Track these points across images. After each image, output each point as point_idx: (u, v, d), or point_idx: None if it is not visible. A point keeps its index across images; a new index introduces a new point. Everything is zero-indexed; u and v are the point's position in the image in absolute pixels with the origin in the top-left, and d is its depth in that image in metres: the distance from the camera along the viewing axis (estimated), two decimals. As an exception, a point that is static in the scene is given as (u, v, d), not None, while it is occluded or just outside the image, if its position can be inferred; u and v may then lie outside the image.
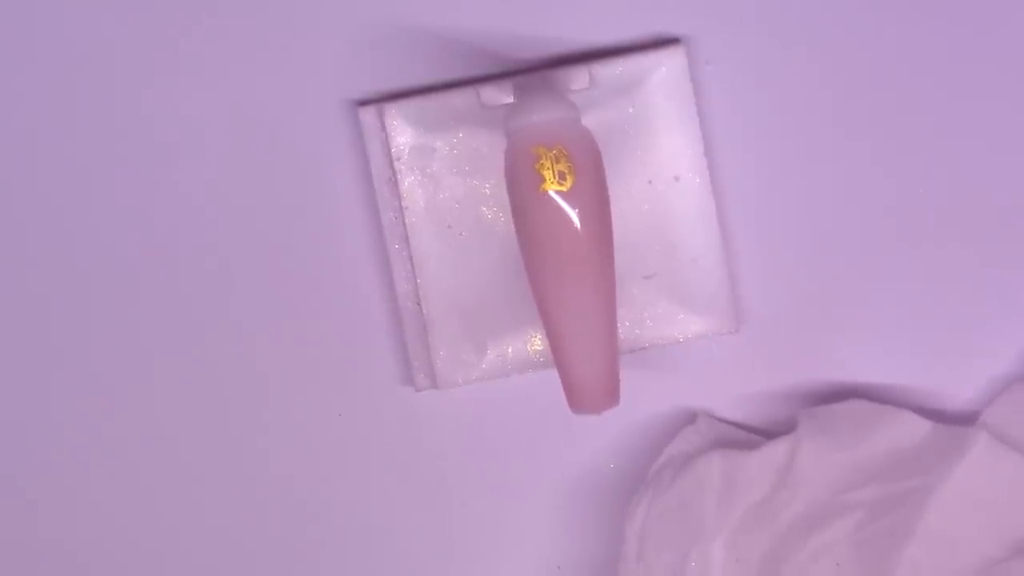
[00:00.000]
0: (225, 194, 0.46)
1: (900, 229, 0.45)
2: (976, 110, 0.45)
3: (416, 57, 0.45)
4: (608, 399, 0.42)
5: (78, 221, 0.46)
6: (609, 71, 0.44)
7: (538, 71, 0.44)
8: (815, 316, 0.45)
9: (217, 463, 0.47)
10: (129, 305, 0.46)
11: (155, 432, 0.46)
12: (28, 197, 0.46)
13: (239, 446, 0.46)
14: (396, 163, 0.45)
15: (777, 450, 0.44)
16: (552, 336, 0.42)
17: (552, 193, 0.41)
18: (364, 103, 0.45)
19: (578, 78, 0.44)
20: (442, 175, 0.45)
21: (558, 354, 0.42)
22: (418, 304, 0.45)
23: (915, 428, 0.44)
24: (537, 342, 0.45)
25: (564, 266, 0.41)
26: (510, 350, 0.45)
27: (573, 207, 0.41)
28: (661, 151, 0.44)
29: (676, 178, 0.45)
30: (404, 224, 0.45)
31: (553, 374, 0.42)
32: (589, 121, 0.43)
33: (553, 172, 0.41)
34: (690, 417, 0.46)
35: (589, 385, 0.42)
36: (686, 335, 0.45)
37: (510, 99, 0.44)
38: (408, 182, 0.45)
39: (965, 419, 0.45)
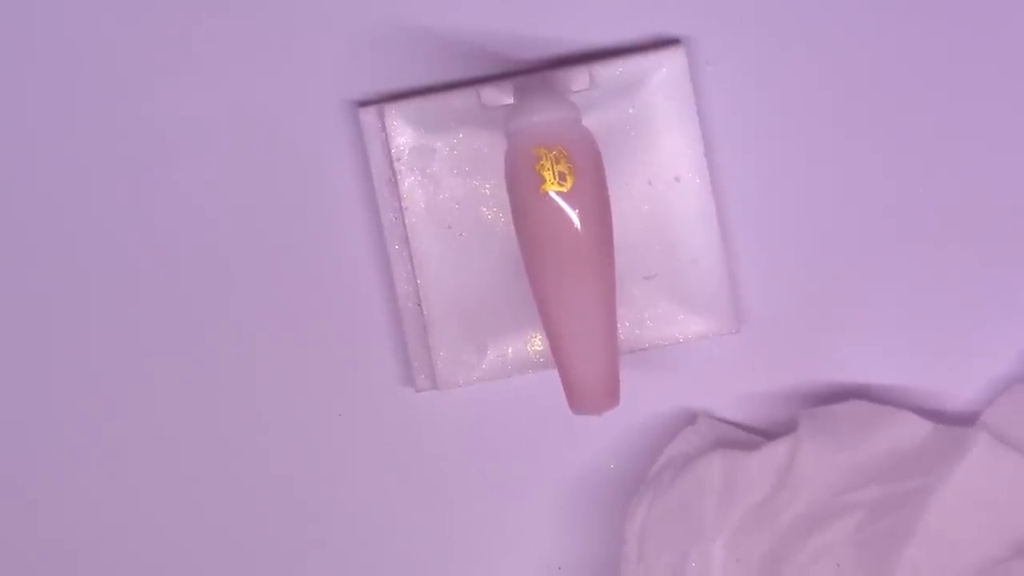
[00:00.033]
0: (225, 194, 0.46)
1: (900, 229, 0.45)
2: (976, 110, 0.45)
3: (416, 58, 0.45)
4: (608, 400, 0.42)
5: (78, 221, 0.46)
6: (609, 72, 0.44)
7: (538, 72, 0.44)
8: (815, 316, 0.45)
9: (217, 463, 0.47)
10: (129, 305, 0.46)
11: (155, 432, 0.46)
12: (28, 197, 0.46)
13: (239, 446, 0.46)
14: (396, 164, 0.45)
15: (777, 451, 0.44)
16: (552, 337, 0.42)
17: (552, 194, 0.41)
18: (364, 103, 0.45)
19: (578, 79, 0.44)
20: (442, 176, 0.45)
21: (558, 355, 0.42)
22: (418, 305, 0.45)
23: (915, 429, 0.44)
24: (537, 343, 0.45)
25: (564, 267, 0.41)
26: (510, 351, 0.45)
27: (573, 208, 0.41)
28: (661, 151, 0.44)
29: (676, 178, 0.45)
30: (404, 225, 0.45)
31: (553, 375, 0.42)
32: (589, 122, 0.43)
33: (553, 173, 0.41)
34: (690, 418, 0.46)
35: (589, 386, 0.42)
36: (686, 335, 0.45)
37: (510, 100, 0.44)
38: (408, 183, 0.45)
39: (965, 420, 0.45)
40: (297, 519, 0.47)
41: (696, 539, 0.44)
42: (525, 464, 0.46)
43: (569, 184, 0.41)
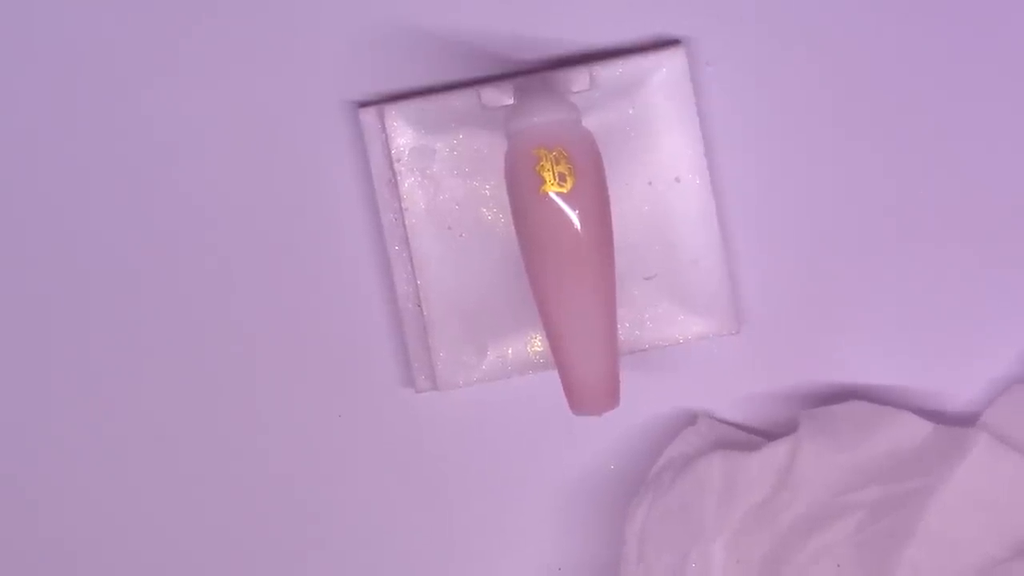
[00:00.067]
0: (225, 194, 0.46)
1: (900, 229, 0.45)
2: (976, 110, 0.45)
3: (417, 58, 0.45)
4: (608, 400, 0.42)
5: (78, 221, 0.46)
6: (609, 72, 0.44)
7: (539, 72, 0.44)
8: (815, 316, 0.45)
9: (217, 463, 0.47)
10: (129, 305, 0.46)
11: (155, 432, 0.46)
12: (28, 197, 0.46)
13: (239, 446, 0.46)
14: (396, 164, 0.45)
15: (777, 451, 0.44)
16: (552, 337, 0.42)
17: (552, 195, 0.41)
18: (364, 104, 0.45)
19: (578, 79, 0.44)
20: (442, 176, 0.45)
21: (558, 355, 0.42)
22: (418, 305, 0.45)
23: (915, 429, 0.44)
24: (537, 343, 0.45)
25: (564, 267, 0.41)
26: (510, 351, 0.45)
27: (573, 209, 0.41)
28: (661, 152, 0.44)
29: (676, 179, 0.45)
30: (404, 225, 0.45)
31: (553, 375, 0.42)
32: (589, 122, 0.43)
33: (553, 174, 0.41)
34: (690, 418, 0.46)
35: (589, 386, 0.42)
36: (686, 336, 0.45)
37: (511, 100, 0.44)
38: (408, 183, 0.45)
39: (965, 420, 0.45)
40: (297, 519, 0.47)
41: (696, 540, 0.44)
42: (525, 465, 0.46)
43: (569, 185, 0.41)
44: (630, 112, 0.44)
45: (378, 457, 0.46)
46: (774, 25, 0.45)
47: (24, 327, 0.46)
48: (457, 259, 0.45)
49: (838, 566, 0.43)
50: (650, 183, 0.45)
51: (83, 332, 0.46)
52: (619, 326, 0.44)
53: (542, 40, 0.44)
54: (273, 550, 0.47)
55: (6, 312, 0.46)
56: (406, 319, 0.45)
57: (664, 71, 0.44)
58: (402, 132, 0.44)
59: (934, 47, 0.45)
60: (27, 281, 0.46)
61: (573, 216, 0.41)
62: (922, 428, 0.44)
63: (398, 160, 0.45)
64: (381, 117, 0.44)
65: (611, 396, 0.42)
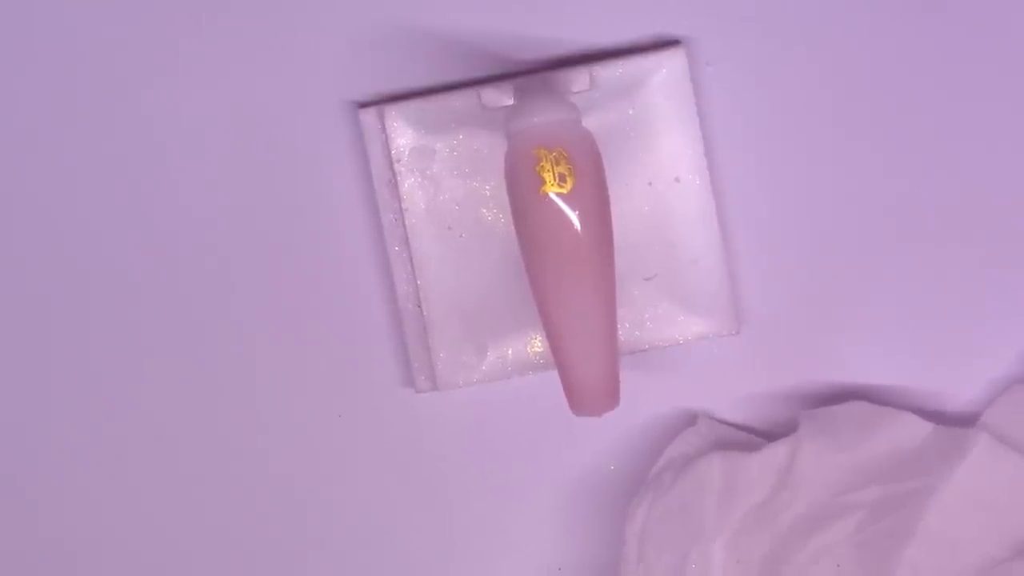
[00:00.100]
0: (225, 194, 0.46)
1: (900, 229, 0.45)
2: (976, 110, 0.45)
3: (417, 58, 0.45)
4: (608, 401, 0.42)
5: (78, 221, 0.46)
6: (609, 73, 0.44)
7: (539, 73, 0.44)
8: (815, 316, 0.45)
9: (217, 463, 0.47)
10: (129, 305, 0.46)
11: (155, 432, 0.46)
12: (28, 197, 0.46)
13: (239, 447, 0.46)
14: (396, 165, 0.45)
15: (777, 451, 0.44)
16: (552, 338, 0.42)
17: (552, 195, 0.41)
18: (364, 104, 0.45)
19: (579, 80, 0.44)
20: (442, 177, 0.45)
21: (558, 356, 0.42)
22: (418, 306, 0.45)
23: (916, 429, 0.44)
24: (537, 344, 0.45)
25: (564, 268, 0.41)
26: (510, 352, 0.45)
27: (573, 209, 0.41)
28: (661, 152, 0.44)
29: (676, 179, 0.44)
30: (404, 226, 0.45)
31: (553, 376, 0.42)
32: (589, 123, 0.43)
33: (553, 174, 0.41)
34: (690, 419, 0.46)
35: (589, 387, 0.42)
36: (686, 336, 0.45)
37: (511, 101, 0.43)
38: (408, 184, 0.45)
39: (965, 420, 0.45)
40: (297, 519, 0.47)
41: (696, 540, 0.44)
42: (525, 465, 0.46)
43: (569, 185, 0.41)
44: (630, 112, 0.44)
45: (378, 457, 0.46)
46: (774, 25, 0.45)
47: (24, 327, 0.46)
48: (457, 259, 0.45)
49: (838, 566, 0.43)
50: (650, 183, 0.45)
51: (83, 332, 0.46)
52: (619, 326, 0.44)
53: (542, 40, 0.44)
54: (273, 550, 0.47)
55: (6, 312, 0.46)
56: (406, 319, 0.45)
57: (664, 71, 0.44)
58: (402, 132, 0.44)
59: (934, 47, 0.45)
60: (27, 281, 0.46)
61: (573, 216, 0.41)
62: (922, 428, 0.44)
63: (398, 160, 0.45)
64: (381, 117, 0.44)
65: (611, 396, 0.42)
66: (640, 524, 0.44)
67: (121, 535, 0.47)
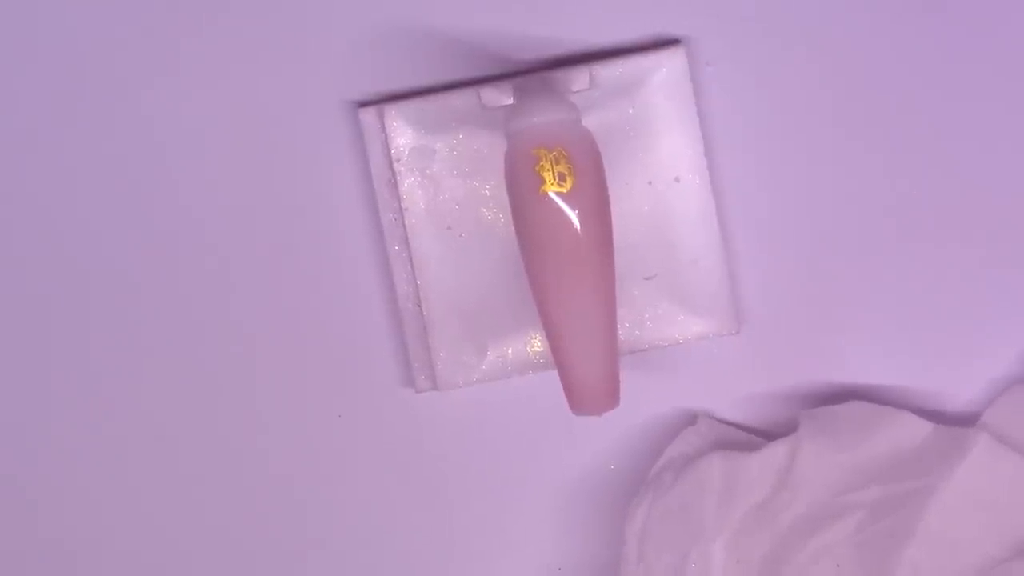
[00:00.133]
0: (225, 194, 0.46)
1: (900, 229, 0.45)
2: (976, 110, 0.45)
3: (416, 58, 0.45)
4: (608, 400, 0.42)
5: (78, 221, 0.46)
6: (609, 72, 0.44)
7: (538, 72, 0.44)
8: (815, 316, 0.45)
9: (217, 463, 0.47)
10: (129, 305, 0.46)
11: (154, 432, 0.46)
12: (28, 197, 0.46)
13: (239, 447, 0.46)
14: (396, 164, 0.45)
15: (778, 451, 0.44)
16: (552, 337, 0.42)
17: (552, 195, 0.41)
18: (364, 104, 0.45)
19: (578, 79, 0.44)
20: (442, 176, 0.45)
21: (558, 355, 0.42)
22: (418, 305, 0.45)
23: (916, 429, 0.44)
24: (537, 343, 0.45)
25: (564, 267, 0.41)
26: (510, 351, 0.45)
27: (573, 208, 0.41)
28: (661, 152, 0.44)
29: (676, 179, 0.44)
30: (404, 225, 0.45)
31: (553, 375, 0.42)
32: (589, 122, 0.43)
33: (553, 173, 0.41)
34: (690, 418, 0.46)
35: (589, 386, 0.42)
36: (686, 336, 0.45)
37: (510, 100, 0.43)
38: (408, 183, 0.45)
39: (965, 420, 0.45)
40: (297, 519, 0.47)
41: (696, 540, 0.44)
42: (525, 465, 0.46)
43: (569, 185, 0.41)
44: (630, 112, 0.44)
45: (378, 457, 0.46)
46: (774, 25, 0.45)
47: (24, 327, 0.46)
48: (457, 259, 0.45)
49: (838, 566, 0.43)
50: (650, 183, 0.45)
51: (83, 332, 0.46)
52: (619, 326, 0.44)
53: (542, 40, 0.44)
54: (273, 550, 0.47)
55: (6, 312, 0.46)
56: (406, 319, 0.45)
57: (664, 71, 0.44)
58: (402, 132, 0.44)
59: (934, 47, 0.45)
60: (27, 281, 0.46)
61: (573, 216, 0.41)
62: (922, 428, 0.44)
63: (398, 160, 0.45)
64: (381, 117, 0.44)
65: (611, 396, 0.42)
66: (640, 524, 0.44)
67: (121, 535, 0.47)
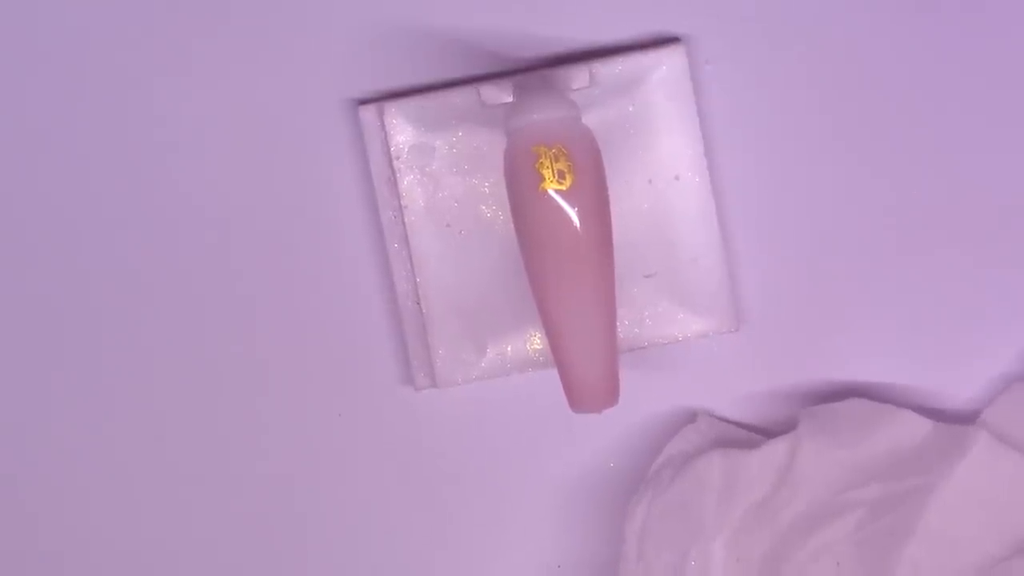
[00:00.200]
0: (225, 193, 0.46)
1: (900, 229, 0.45)
2: (975, 110, 0.45)
3: (416, 56, 0.45)
4: (608, 398, 0.42)
5: (78, 221, 0.46)
6: (609, 70, 0.44)
7: (538, 70, 0.44)
8: (815, 316, 0.45)
9: (217, 463, 0.47)
10: (129, 305, 0.46)
11: (154, 432, 0.46)
12: (28, 197, 0.46)
13: (239, 446, 0.46)
14: (396, 162, 0.45)
15: (777, 449, 0.44)
16: (552, 335, 0.42)
17: (552, 192, 0.41)
18: (364, 102, 0.45)
19: (578, 77, 0.44)
20: (442, 174, 0.45)
21: (558, 353, 0.42)
22: (418, 303, 0.45)
23: (916, 427, 0.44)
24: (537, 341, 0.45)
25: (564, 265, 0.41)
26: (510, 349, 0.45)
27: (573, 206, 0.41)
28: (661, 150, 0.44)
29: (676, 177, 0.45)
30: (404, 223, 0.45)
31: (553, 373, 0.42)
32: (589, 120, 0.43)
33: (553, 171, 0.41)
34: (690, 416, 0.46)
35: (589, 384, 0.42)
36: (686, 334, 0.45)
37: (510, 98, 0.44)
38: (407, 181, 0.45)
39: (965, 418, 0.45)
40: (297, 518, 0.47)
41: (696, 538, 0.44)
42: (525, 463, 0.46)
43: (568, 182, 0.41)
44: (630, 110, 0.44)
45: (378, 455, 0.46)
46: (774, 24, 0.45)
47: (24, 326, 0.46)
48: (456, 257, 0.45)
49: (838, 564, 0.43)
50: (650, 181, 0.45)
51: (83, 331, 0.46)
52: (619, 324, 0.44)
53: (542, 38, 0.44)
54: (273, 550, 0.47)
55: (6, 312, 0.46)
56: (405, 317, 0.45)
57: (664, 69, 0.44)
58: (401, 130, 0.44)
59: (934, 46, 0.45)
60: (27, 280, 0.46)
61: (572, 214, 0.41)
62: (922, 426, 0.44)
63: (397, 158, 0.45)
64: (380, 115, 0.44)
65: (610, 394, 0.42)
66: (640, 522, 0.44)
67: (121, 535, 0.47)
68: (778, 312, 0.45)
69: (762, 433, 0.45)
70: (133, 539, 0.47)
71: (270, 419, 0.46)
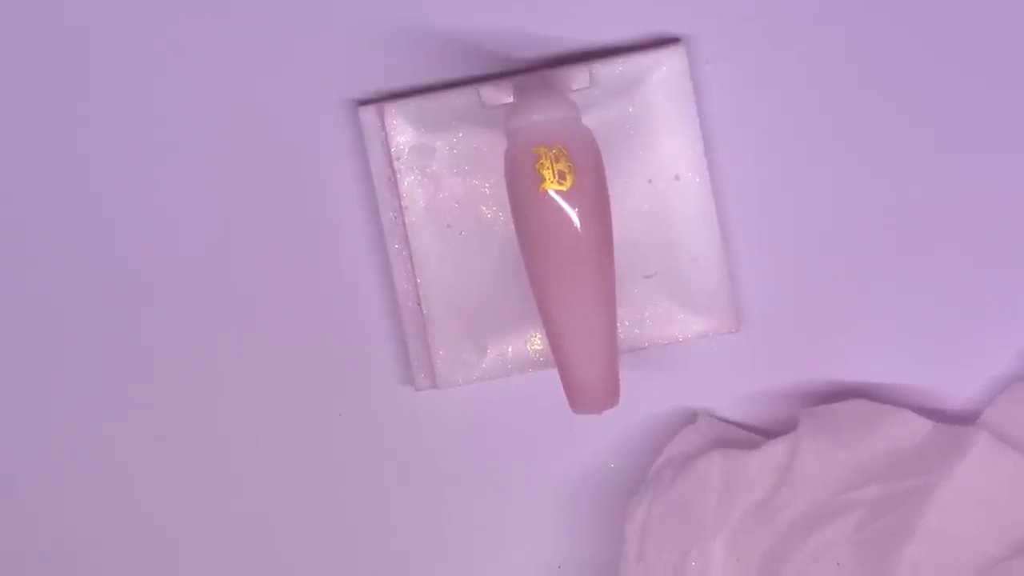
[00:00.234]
0: (225, 193, 0.46)
1: (900, 229, 0.45)
2: (975, 110, 0.45)
3: (416, 57, 0.45)
4: (608, 399, 0.42)
5: (78, 221, 0.46)
6: (609, 70, 0.44)
7: (538, 71, 0.44)
8: (815, 316, 0.45)
9: (217, 463, 0.46)
10: (129, 305, 0.46)
11: (155, 432, 0.46)
12: (28, 196, 0.46)
13: (239, 446, 0.46)
14: (396, 163, 0.45)
15: (777, 449, 0.44)
16: (552, 335, 0.42)
17: (552, 193, 0.41)
18: (364, 103, 0.45)
19: (578, 77, 0.44)
20: (442, 175, 0.45)
21: (558, 353, 0.42)
22: (418, 304, 0.45)
23: (915, 427, 0.44)
24: (537, 342, 0.45)
25: (564, 266, 0.41)
26: (510, 350, 0.45)
27: (573, 207, 0.41)
28: (661, 150, 0.44)
29: (676, 177, 0.45)
30: (404, 224, 0.45)
31: (553, 374, 0.42)
32: (589, 120, 0.43)
33: (553, 172, 0.41)
34: (690, 417, 0.46)
35: (589, 384, 0.42)
36: (686, 335, 0.45)
37: (510, 99, 0.44)
38: (408, 182, 0.45)
39: (965, 418, 0.45)
40: (297, 518, 0.47)
41: (696, 538, 0.44)
42: (525, 463, 0.46)
43: (569, 183, 0.41)
44: (630, 110, 0.44)
45: (378, 455, 0.46)
46: (774, 24, 0.45)
47: (24, 326, 0.46)
48: (457, 257, 0.45)
49: (838, 564, 0.43)
50: (650, 181, 0.45)
51: (82, 331, 0.46)
52: (619, 324, 0.44)
53: (542, 38, 0.44)
54: (273, 550, 0.47)
55: (5, 311, 0.46)
56: (406, 317, 0.45)
57: (664, 69, 0.44)
58: (402, 130, 0.44)
59: (934, 46, 0.45)
60: (26, 280, 0.46)
61: (573, 214, 0.41)
62: (922, 426, 0.44)
63: (398, 158, 0.45)
64: (381, 115, 0.44)
65: (611, 394, 0.42)
66: (640, 522, 0.44)
67: (121, 535, 0.47)
68: (778, 312, 0.45)
69: (762, 433, 0.45)
70: (133, 539, 0.47)
71: (270, 419, 0.46)
